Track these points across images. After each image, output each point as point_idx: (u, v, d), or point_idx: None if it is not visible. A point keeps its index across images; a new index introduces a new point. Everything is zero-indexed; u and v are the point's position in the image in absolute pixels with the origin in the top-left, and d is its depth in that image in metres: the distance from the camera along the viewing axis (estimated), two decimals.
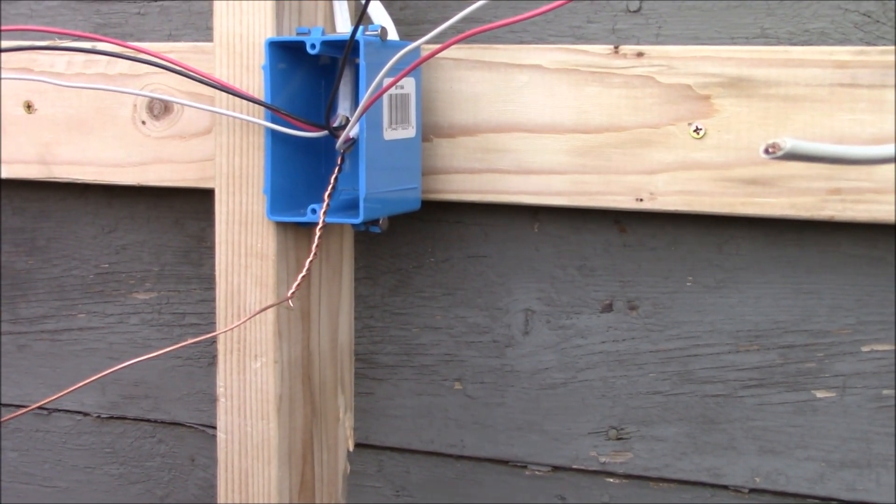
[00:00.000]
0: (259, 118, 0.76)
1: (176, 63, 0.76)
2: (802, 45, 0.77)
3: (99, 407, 1.01)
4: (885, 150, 0.59)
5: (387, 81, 0.70)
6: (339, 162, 0.77)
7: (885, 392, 0.79)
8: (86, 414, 1.02)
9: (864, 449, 0.79)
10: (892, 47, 0.73)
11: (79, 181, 0.94)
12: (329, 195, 0.75)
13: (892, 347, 0.78)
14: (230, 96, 0.78)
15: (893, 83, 0.72)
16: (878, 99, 0.72)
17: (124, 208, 0.98)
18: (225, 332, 0.80)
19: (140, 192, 0.96)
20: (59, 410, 1.03)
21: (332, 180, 0.76)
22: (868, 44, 0.76)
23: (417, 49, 0.68)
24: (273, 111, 0.75)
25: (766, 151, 0.54)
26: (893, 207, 0.73)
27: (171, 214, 0.96)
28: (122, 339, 0.99)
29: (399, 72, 0.70)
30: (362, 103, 0.71)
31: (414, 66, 0.69)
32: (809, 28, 0.77)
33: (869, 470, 0.79)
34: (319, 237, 0.74)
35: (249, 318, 0.78)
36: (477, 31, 0.65)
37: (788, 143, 0.54)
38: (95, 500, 1.03)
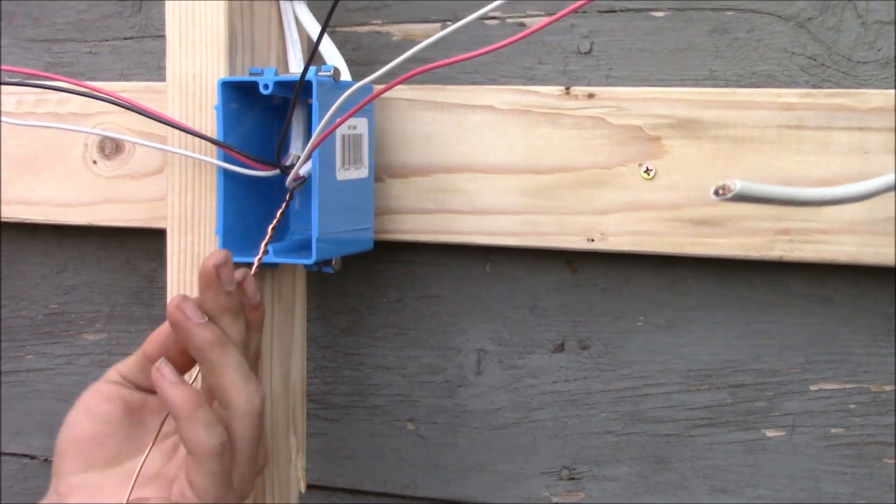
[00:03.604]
0: (212, 157, 0.76)
1: (129, 101, 0.76)
2: (750, 87, 0.78)
3: (46, 450, 1.00)
4: (833, 192, 0.60)
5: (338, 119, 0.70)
6: (287, 198, 0.77)
7: (834, 431, 0.79)
8: (32, 457, 1.00)
9: (812, 487, 0.80)
10: (837, 90, 0.74)
11: (28, 221, 0.93)
12: (273, 228, 0.76)
13: (840, 386, 0.79)
14: (182, 136, 0.78)
15: (838, 125, 0.73)
16: (823, 141, 0.74)
17: (74, 248, 0.98)
18: None
19: (91, 231, 0.95)
20: (5, 454, 1.01)
21: (278, 214, 0.76)
22: (814, 86, 0.77)
23: (369, 87, 0.68)
24: (225, 150, 0.75)
25: (717, 193, 0.55)
26: (840, 248, 0.74)
27: (123, 254, 0.96)
28: (70, 381, 0.98)
29: (351, 110, 0.70)
30: (312, 139, 0.71)
31: (363, 104, 0.70)
32: (757, 70, 0.78)
33: None
34: (260, 259, 0.75)
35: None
36: (424, 70, 0.65)
37: (738, 185, 0.54)
38: None
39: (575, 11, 0.81)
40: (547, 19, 0.62)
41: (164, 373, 0.67)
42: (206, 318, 0.68)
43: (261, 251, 0.75)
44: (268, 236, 0.76)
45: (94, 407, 0.71)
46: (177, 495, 0.67)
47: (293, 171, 0.75)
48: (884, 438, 0.79)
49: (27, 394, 1.00)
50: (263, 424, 0.70)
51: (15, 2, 0.97)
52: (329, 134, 0.71)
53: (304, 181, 0.76)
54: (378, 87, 0.69)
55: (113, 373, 0.73)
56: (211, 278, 0.68)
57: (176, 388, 0.66)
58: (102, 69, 0.95)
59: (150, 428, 0.72)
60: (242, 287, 0.71)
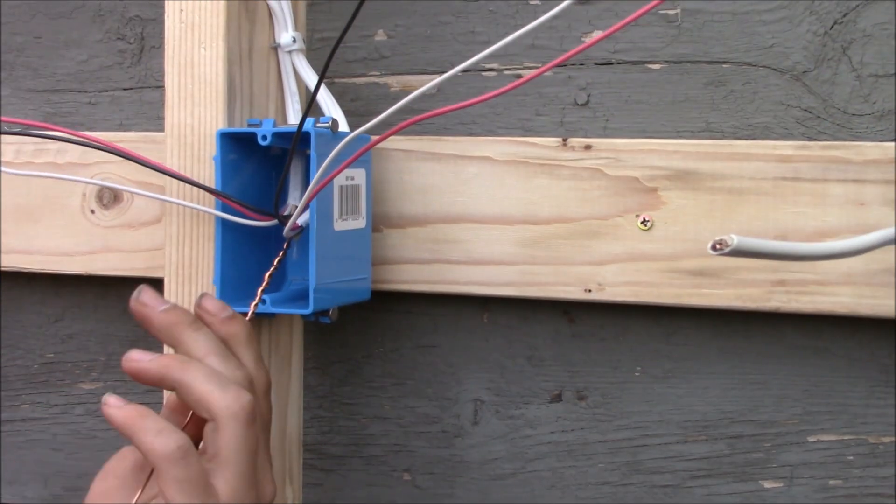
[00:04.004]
0: (210, 207, 0.77)
1: (127, 152, 0.76)
2: (746, 139, 0.79)
3: (41, 500, 0.99)
4: (829, 246, 0.60)
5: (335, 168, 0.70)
6: (284, 247, 0.77)
7: (832, 482, 0.79)
8: None
9: None
10: (833, 142, 0.75)
11: (26, 270, 0.93)
12: (270, 275, 0.76)
13: (839, 437, 0.79)
14: (180, 186, 0.78)
15: (834, 178, 0.73)
16: (820, 192, 0.74)
17: (72, 297, 0.97)
18: None
19: (88, 280, 0.95)
20: None
21: (275, 262, 0.76)
22: (809, 139, 0.78)
23: (366, 137, 0.68)
24: (223, 199, 0.75)
25: (714, 248, 0.55)
26: (837, 299, 0.74)
27: (120, 304, 0.95)
28: (65, 430, 0.98)
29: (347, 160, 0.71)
30: (310, 189, 0.71)
31: (359, 154, 0.70)
32: (753, 123, 0.79)
33: None
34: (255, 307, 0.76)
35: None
36: (419, 119, 0.66)
37: (735, 240, 0.55)
38: None
39: (572, 63, 0.82)
40: (541, 69, 0.62)
41: (108, 402, 0.67)
42: (170, 305, 0.71)
43: (257, 297, 0.75)
44: (264, 283, 0.76)
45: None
46: None
47: (291, 221, 0.75)
48: (882, 490, 0.78)
49: (22, 443, 1.00)
50: (255, 432, 0.68)
51: (15, 53, 0.98)
52: (326, 183, 0.71)
53: (302, 231, 0.76)
54: (375, 138, 0.69)
55: (125, 451, 0.72)
56: (136, 312, 0.71)
57: (119, 410, 0.66)
58: (101, 119, 0.95)
59: None
60: (201, 305, 0.72)
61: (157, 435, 0.65)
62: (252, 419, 0.67)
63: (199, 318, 0.72)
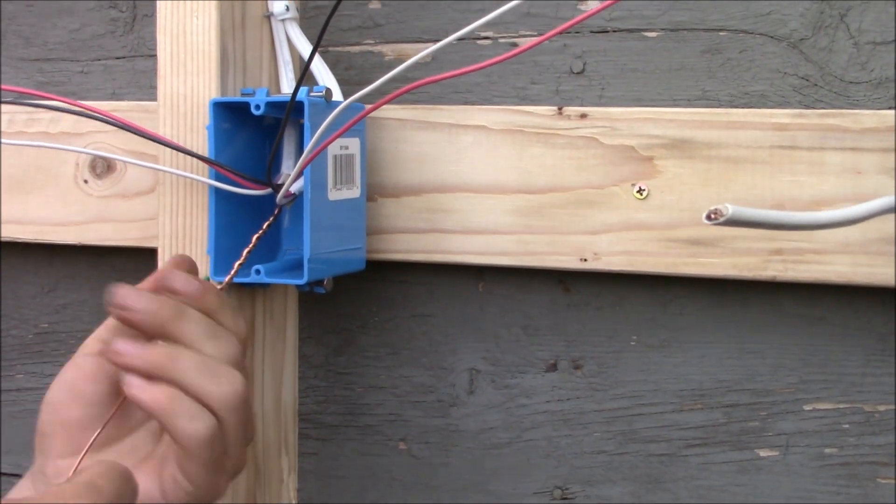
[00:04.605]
0: (203, 177, 0.76)
1: (122, 121, 0.76)
2: (743, 107, 0.78)
3: None
4: (824, 216, 0.60)
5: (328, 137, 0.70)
6: (275, 212, 0.77)
7: (828, 451, 0.79)
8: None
9: None
10: (830, 110, 0.74)
11: (19, 240, 0.93)
12: (258, 237, 0.76)
13: (835, 406, 0.79)
14: (174, 156, 0.77)
15: (831, 146, 0.73)
16: (816, 161, 0.74)
17: (66, 267, 0.97)
18: None
19: (82, 250, 0.95)
20: None
21: (264, 226, 0.76)
22: (806, 107, 0.77)
23: (359, 105, 0.68)
24: (216, 168, 0.75)
25: (709, 218, 0.55)
26: (834, 268, 0.74)
27: (114, 274, 0.95)
28: None
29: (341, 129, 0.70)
30: (303, 157, 0.71)
31: (353, 122, 0.69)
32: (749, 91, 0.78)
33: None
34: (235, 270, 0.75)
35: None
36: (413, 87, 0.65)
37: (730, 209, 0.54)
38: None
39: (567, 31, 0.81)
40: (537, 38, 0.62)
41: (131, 382, 0.65)
42: (145, 300, 0.67)
43: (242, 257, 0.75)
44: (252, 244, 0.75)
45: (80, 388, 0.69)
46: (169, 481, 0.66)
47: (284, 188, 0.75)
48: (878, 458, 0.78)
49: (18, 413, 1.00)
50: (248, 405, 0.68)
51: (7, 21, 0.97)
52: (320, 151, 0.71)
53: (295, 198, 0.76)
54: (369, 106, 0.69)
55: (93, 342, 0.70)
56: (118, 317, 0.68)
57: (146, 392, 0.64)
58: (94, 88, 0.95)
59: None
60: (172, 288, 0.69)
61: (190, 420, 0.64)
62: (245, 397, 0.67)
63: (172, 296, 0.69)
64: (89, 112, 0.76)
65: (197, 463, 0.65)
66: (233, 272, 0.75)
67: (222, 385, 0.66)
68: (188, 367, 0.66)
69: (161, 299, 0.68)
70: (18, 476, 0.99)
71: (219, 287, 0.73)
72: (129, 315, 0.67)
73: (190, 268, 0.71)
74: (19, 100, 0.82)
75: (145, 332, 0.67)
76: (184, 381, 0.65)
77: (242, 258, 0.75)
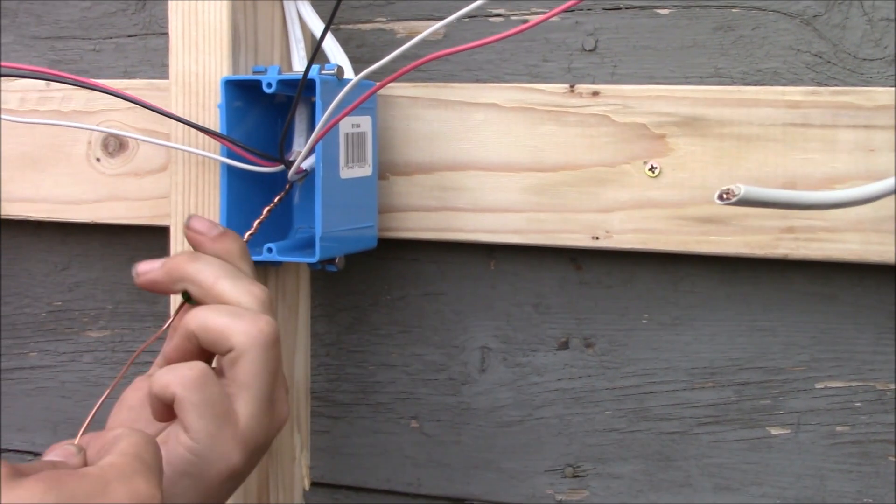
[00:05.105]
0: (215, 154, 0.76)
1: (135, 98, 0.76)
2: (755, 85, 0.78)
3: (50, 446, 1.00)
4: (836, 195, 0.60)
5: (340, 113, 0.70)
6: (286, 188, 0.77)
7: (839, 429, 0.79)
8: (36, 454, 1.00)
9: (818, 486, 0.80)
10: (843, 88, 0.74)
11: (32, 218, 0.93)
12: (269, 210, 0.76)
13: (846, 384, 0.79)
14: (186, 133, 0.77)
15: (844, 123, 0.73)
16: (829, 139, 0.73)
17: (78, 245, 0.97)
18: None
19: (94, 229, 0.95)
20: (10, 451, 1.01)
21: (275, 200, 0.76)
22: (819, 84, 0.77)
23: (370, 82, 0.68)
24: (228, 144, 0.75)
25: (721, 198, 0.55)
26: (845, 246, 0.74)
27: (126, 252, 0.96)
28: (74, 378, 0.98)
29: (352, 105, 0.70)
30: (315, 133, 0.71)
31: (364, 98, 0.69)
32: (762, 68, 0.78)
33: None
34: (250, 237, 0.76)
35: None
36: (422, 62, 0.65)
37: (742, 189, 0.54)
38: None
39: (579, 8, 0.81)
40: (548, 14, 0.62)
41: (149, 384, 0.66)
42: (223, 230, 0.70)
43: (253, 228, 0.75)
44: (262, 216, 0.75)
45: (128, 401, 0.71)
46: (171, 443, 0.64)
47: (295, 164, 0.75)
48: (889, 436, 0.78)
49: (31, 391, 1.00)
50: (277, 353, 0.66)
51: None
52: (331, 128, 0.71)
53: (307, 174, 0.76)
54: (379, 83, 0.69)
55: (139, 381, 0.72)
56: (137, 280, 0.70)
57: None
58: (106, 67, 0.95)
59: None
60: (191, 227, 0.71)
61: (172, 370, 0.64)
62: (273, 341, 0.66)
63: (191, 241, 0.70)
64: (105, 89, 0.76)
65: (188, 407, 0.63)
66: (246, 238, 0.75)
67: (244, 323, 0.65)
68: (208, 275, 0.68)
69: (173, 257, 0.71)
70: (32, 453, 1.00)
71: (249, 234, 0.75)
72: (149, 275, 0.70)
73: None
74: (33, 75, 0.82)
75: (166, 287, 0.69)
76: (206, 318, 0.66)
77: (253, 229, 0.75)
